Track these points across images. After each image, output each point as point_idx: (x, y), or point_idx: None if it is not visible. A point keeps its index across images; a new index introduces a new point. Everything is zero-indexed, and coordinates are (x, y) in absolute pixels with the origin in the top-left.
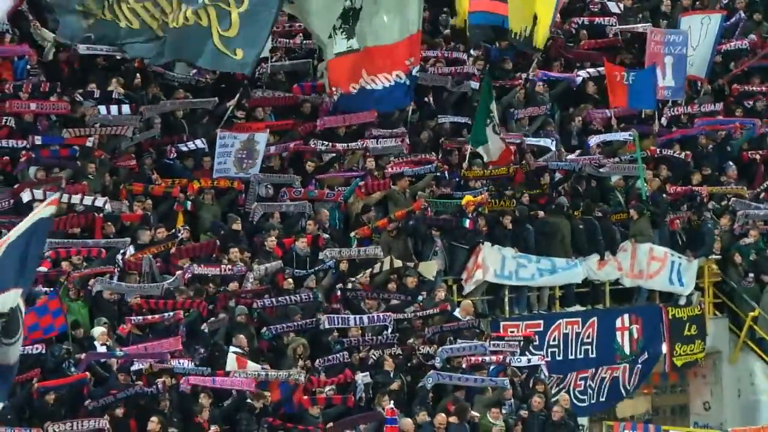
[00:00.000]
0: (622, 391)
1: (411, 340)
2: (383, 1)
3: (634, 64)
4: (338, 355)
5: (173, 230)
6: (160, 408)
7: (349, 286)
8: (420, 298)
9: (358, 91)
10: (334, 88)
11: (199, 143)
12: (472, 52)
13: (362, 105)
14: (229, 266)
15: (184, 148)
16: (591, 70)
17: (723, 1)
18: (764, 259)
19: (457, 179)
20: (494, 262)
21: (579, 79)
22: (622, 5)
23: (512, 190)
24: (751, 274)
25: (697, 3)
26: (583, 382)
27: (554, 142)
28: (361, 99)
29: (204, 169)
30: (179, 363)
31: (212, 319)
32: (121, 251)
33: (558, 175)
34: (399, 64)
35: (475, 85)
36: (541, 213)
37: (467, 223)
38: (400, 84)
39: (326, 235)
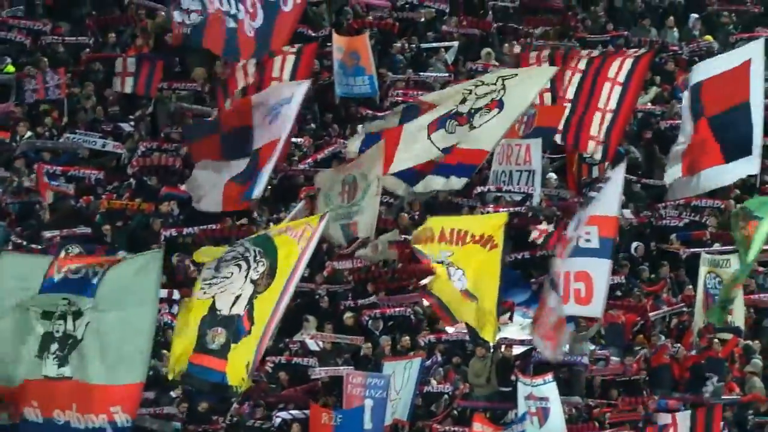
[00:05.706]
0: None
1: None
2: (109, 344)
3: (338, 405)
4: None
5: None
6: None
7: None
8: None
9: (63, 424)
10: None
11: None
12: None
13: None
14: None
15: None
16: (295, 411)
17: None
18: None
19: None
20: None
21: (278, 420)
22: (321, 344)
23: None
24: None
25: (398, 346)
26: None
27: None
28: None
29: None
30: None
31: None
32: None
33: None
34: (104, 409)
35: None
36: None
37: None
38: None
39: None
